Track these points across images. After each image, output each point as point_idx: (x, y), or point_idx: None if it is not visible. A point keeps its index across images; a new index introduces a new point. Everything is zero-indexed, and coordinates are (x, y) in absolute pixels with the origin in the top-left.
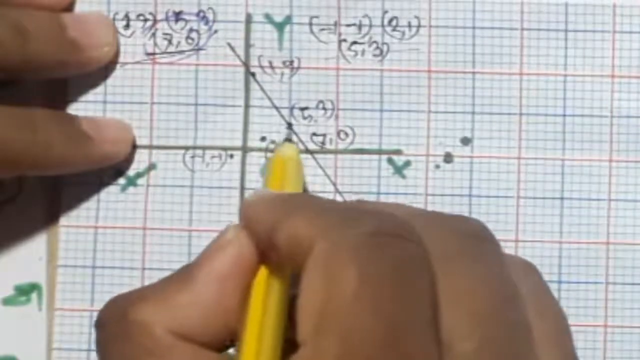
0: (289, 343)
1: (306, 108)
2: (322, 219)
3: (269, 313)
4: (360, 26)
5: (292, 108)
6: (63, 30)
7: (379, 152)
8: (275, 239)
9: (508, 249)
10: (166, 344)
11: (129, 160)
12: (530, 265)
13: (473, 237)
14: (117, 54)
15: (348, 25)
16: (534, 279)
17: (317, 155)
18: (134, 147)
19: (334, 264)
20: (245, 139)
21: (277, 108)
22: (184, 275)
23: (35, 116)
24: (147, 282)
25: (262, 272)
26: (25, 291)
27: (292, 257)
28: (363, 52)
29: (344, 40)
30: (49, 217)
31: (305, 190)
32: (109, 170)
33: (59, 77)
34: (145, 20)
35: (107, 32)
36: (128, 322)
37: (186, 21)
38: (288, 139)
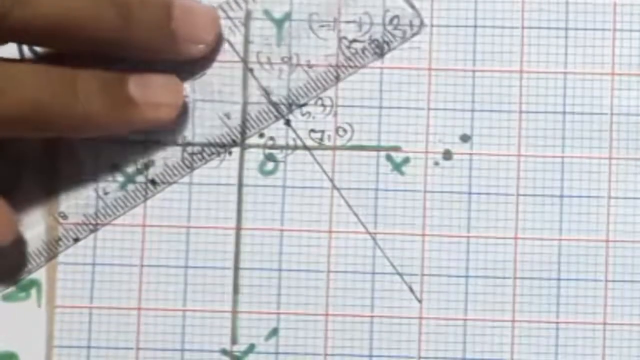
0: None
1: (305, 105)
2: None
3: None
4: (360, 24)
5: (290, 104)
6: (168, 20)
7: (378, 148)
8: None
9: (507, 246)
10: None
11: (127, 154)
12: None
13: None
14: (212, 52)
15: (348, 22)
16: None
17: (314, 152)
18: (184, 108)
19: None
20: (243, 136)
21: (275, 104)
22: None
23: (78, 78)
24: (145, 279)
25: None
26: (24, 287)
27: None
28: (363, 49)
29: (344, 37)
30: (47, 212)
31: None
32: (106, 165)
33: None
34: None
35: (209, 31)
36: None
37: None
38: None
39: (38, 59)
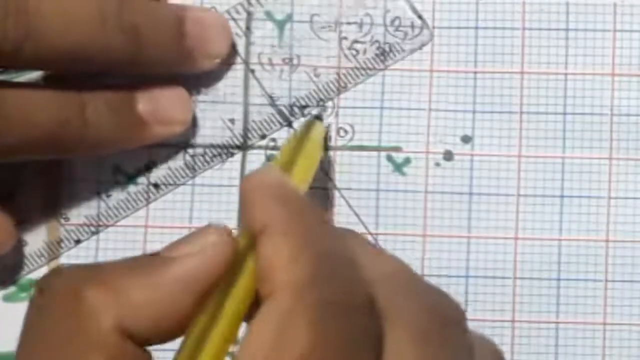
0: None
1: (306, 106)
2: (297, 263)
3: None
4: (361, 25)
5: (292, 106)
6: (181, 38)
7: (378, 149)
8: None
9: (507, 247)
10: (111, 341)
11: (129, 157)
12: (499, 352)
13: (444, 319)
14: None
15: (349, 24)
16: None
17: None
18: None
19: (290, 322)
20: (245, 137)
21: (276, 105)
22: (148, 267)
23: (88, 103)
24: None
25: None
26: (25, 287)
27: (259, 278)
28: (365, 51)
29: (345, 38)
30: (49, 213)
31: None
32: (108, 167)
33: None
34: None
35: (222, 43)
36: (78, 301)
37: None
38: (318, 117)
39: (45, 80)
